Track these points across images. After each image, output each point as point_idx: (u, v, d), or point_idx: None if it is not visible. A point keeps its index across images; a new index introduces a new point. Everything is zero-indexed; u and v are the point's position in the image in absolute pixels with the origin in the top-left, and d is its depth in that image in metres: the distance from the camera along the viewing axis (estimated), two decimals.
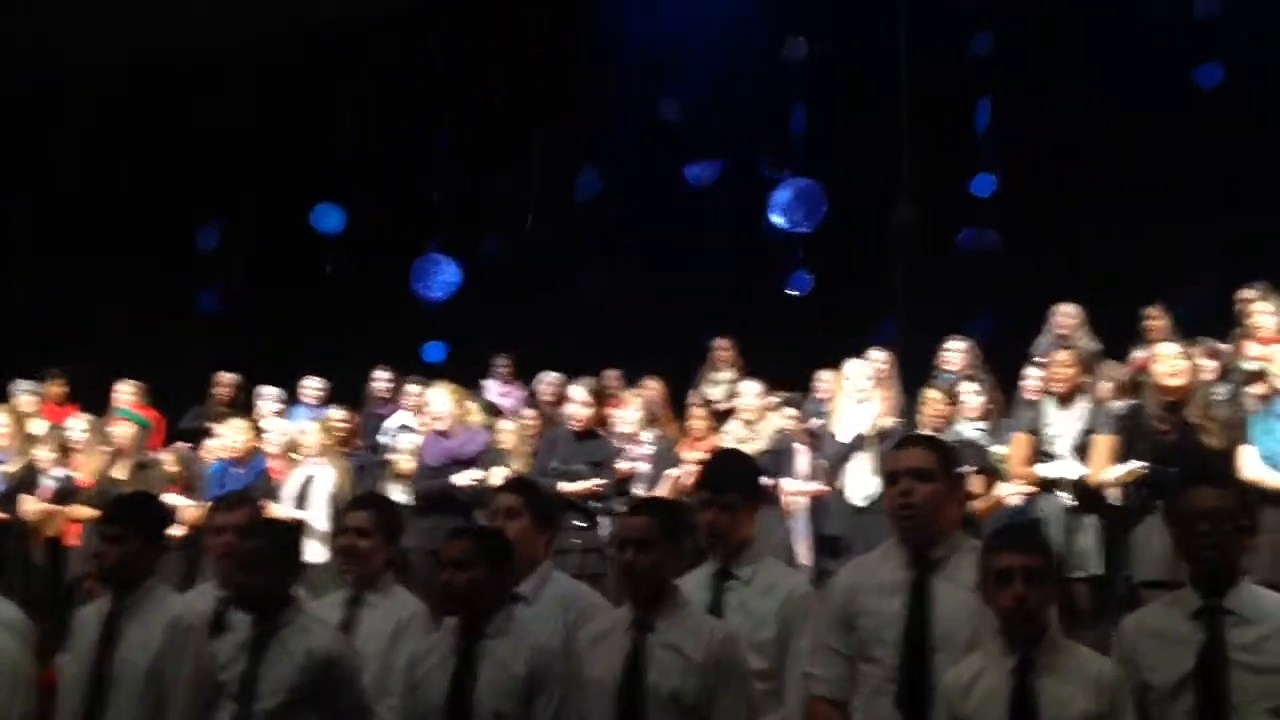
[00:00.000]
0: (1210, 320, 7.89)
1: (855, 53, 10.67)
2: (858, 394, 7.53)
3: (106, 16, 10.83)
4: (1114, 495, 6.24)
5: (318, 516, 7.39)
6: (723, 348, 9.80)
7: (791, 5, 10.58)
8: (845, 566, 4.11)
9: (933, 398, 7.18)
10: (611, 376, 9.41)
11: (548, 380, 9.48)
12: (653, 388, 9.00)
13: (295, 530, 4.67)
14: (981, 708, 3.35)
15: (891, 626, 3.60)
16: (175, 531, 7.49)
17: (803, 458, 7.62)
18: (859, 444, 7.33)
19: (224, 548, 4.65)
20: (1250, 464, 5.82)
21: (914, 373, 8.40)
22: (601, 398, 7.40)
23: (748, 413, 7.62)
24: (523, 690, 3.74)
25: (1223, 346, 7.28)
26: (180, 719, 4.09)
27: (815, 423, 8.11)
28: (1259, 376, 6.54)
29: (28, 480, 7.87)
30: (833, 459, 7.44)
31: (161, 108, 11.84)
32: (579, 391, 7.34)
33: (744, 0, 11.06)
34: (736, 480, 4.06)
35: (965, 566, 3.53)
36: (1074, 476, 6.16)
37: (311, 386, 9.66)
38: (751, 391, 7.68)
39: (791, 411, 7.90)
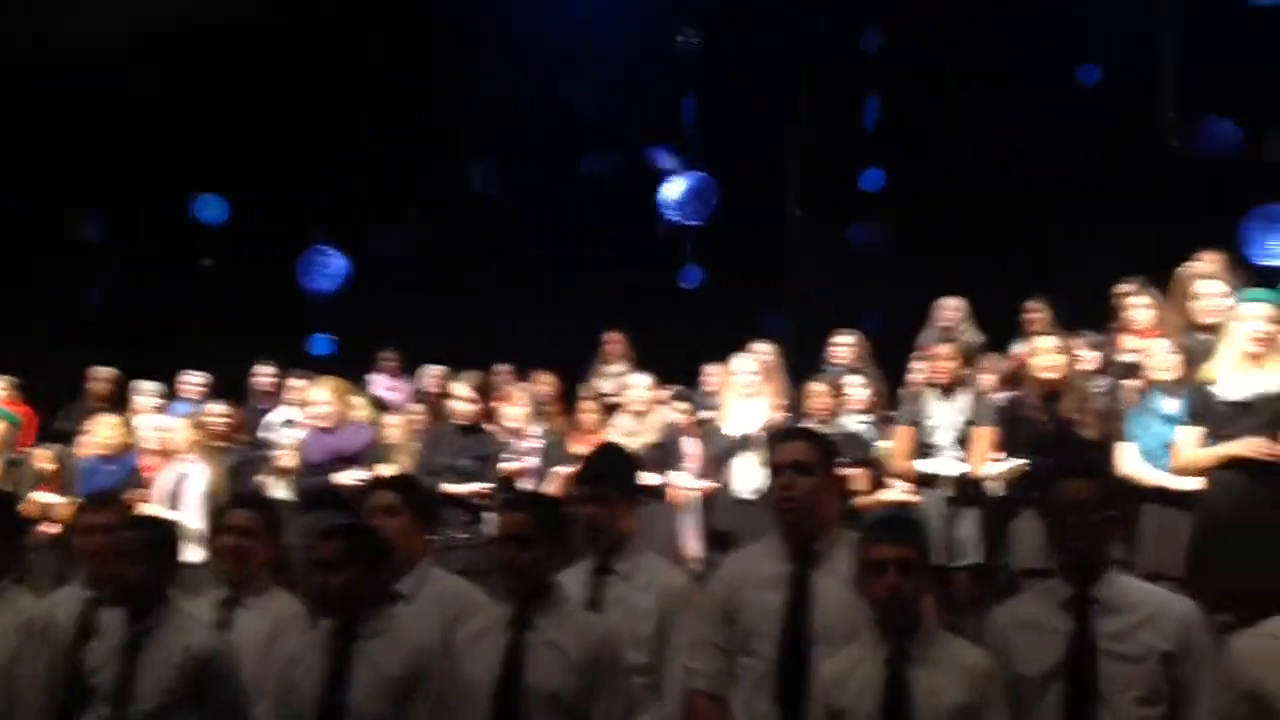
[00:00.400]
0: (1092, 314, 8.03)
1: (747, 46, 10.70)
2: (744, 389, 7.55)
3: None
4: (993, 487, 6.32)
5: (191, 516, 7.19)
6: (613, 341, 9.77)
7: None
8: (726, 560, 4.11)
9: (817, 390, 7.22)
10: (502, 371, 9.33)
11: (434, 374, 9.37)
12: (543, 382, 8.95)
13: (173, 527, 4.56)
14: (856, 699, 3.36)
15: (772, 620, 3.61)
16: (49, 530, 7.31)
17: (692, 451, 7.61)
18: (744, 443, 7.32)
19: (92, 547, 4.54)
20: (1128, 460, 5.92)
21: (807, 367, 8.45)
22: (488, 392, 7.32)
23: (636, 405, 7.61)
24: (398, 691, 3.69)
25: (1102, 339, 7.41)
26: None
27: (704, 415, 8.11)
28: (1135, 369, 6.66)
29: None
30: (718, 456, 7.45)
31: (39, 99, 11.48)
32: (462, 387, 7.25)
33: None
34: (614, 475, 4.05)
35: (845, 560, 3.54)
36: (954, 474, 6.22)
37: (191, 381, 9.44)
38: (640, 384, 7.66)
39: (682, 405, 7.89)
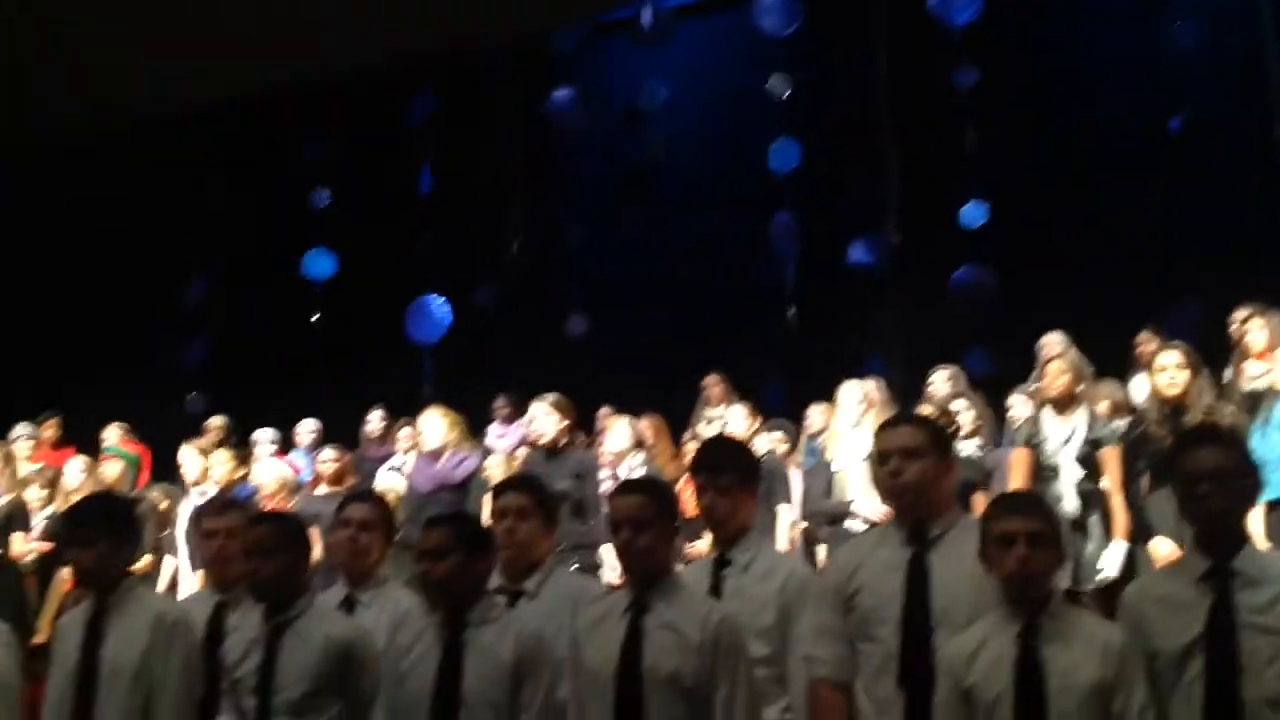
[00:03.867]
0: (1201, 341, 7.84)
1: (838, 88, 10.73)
2: (851, 418, 7.39)
3: (86, 75, 10.94)
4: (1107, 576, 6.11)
5: None
6: (713, 384, 9.75)
7: (772, 43, 10.60)
8: (843, 546, 4.03)
9: (929, 413, 7.05)
10: (605, 413, 9.33)
11: None
12: (646, 424, 8.92)
13: (300, 520, 4.61)
14: (986, 677, 3.27)
15: (891, 605, 3.53)
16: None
17: (796, 482, 7.51)
18: (846, 512, 6.99)
19: (216, 550, 4.61)
20: None
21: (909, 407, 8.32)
22: (567, 411, 7.16)
23: (735, 436, 7.48)
24: (510, 678, 3.68)
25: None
26: (171, 715, 4.02)
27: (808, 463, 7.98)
28: (1262, 396, 6.46)
29: (20, 518, 7.83)
30: (821, 518, 7.23)
31: (149, 162, 11.91)
32: (541, 406, 7.08)
33: (724, 40, 11.16)
34: (733, 463, 3.97)
35: (964, 542, 3.47)
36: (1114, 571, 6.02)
37: (305, 429, 9.62)
38: (738, 416, 7.56)
39: (779, 435, 7.79)
